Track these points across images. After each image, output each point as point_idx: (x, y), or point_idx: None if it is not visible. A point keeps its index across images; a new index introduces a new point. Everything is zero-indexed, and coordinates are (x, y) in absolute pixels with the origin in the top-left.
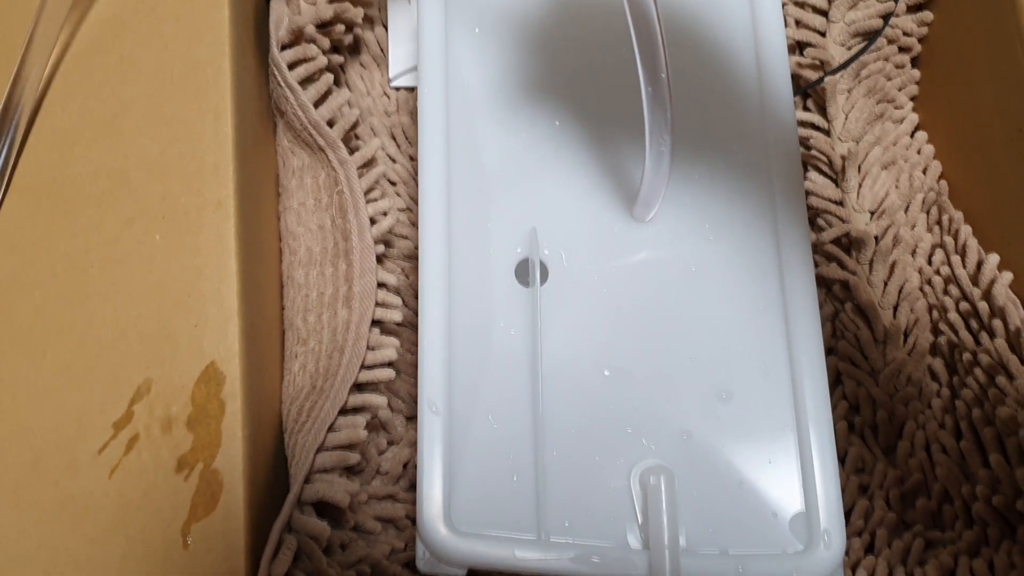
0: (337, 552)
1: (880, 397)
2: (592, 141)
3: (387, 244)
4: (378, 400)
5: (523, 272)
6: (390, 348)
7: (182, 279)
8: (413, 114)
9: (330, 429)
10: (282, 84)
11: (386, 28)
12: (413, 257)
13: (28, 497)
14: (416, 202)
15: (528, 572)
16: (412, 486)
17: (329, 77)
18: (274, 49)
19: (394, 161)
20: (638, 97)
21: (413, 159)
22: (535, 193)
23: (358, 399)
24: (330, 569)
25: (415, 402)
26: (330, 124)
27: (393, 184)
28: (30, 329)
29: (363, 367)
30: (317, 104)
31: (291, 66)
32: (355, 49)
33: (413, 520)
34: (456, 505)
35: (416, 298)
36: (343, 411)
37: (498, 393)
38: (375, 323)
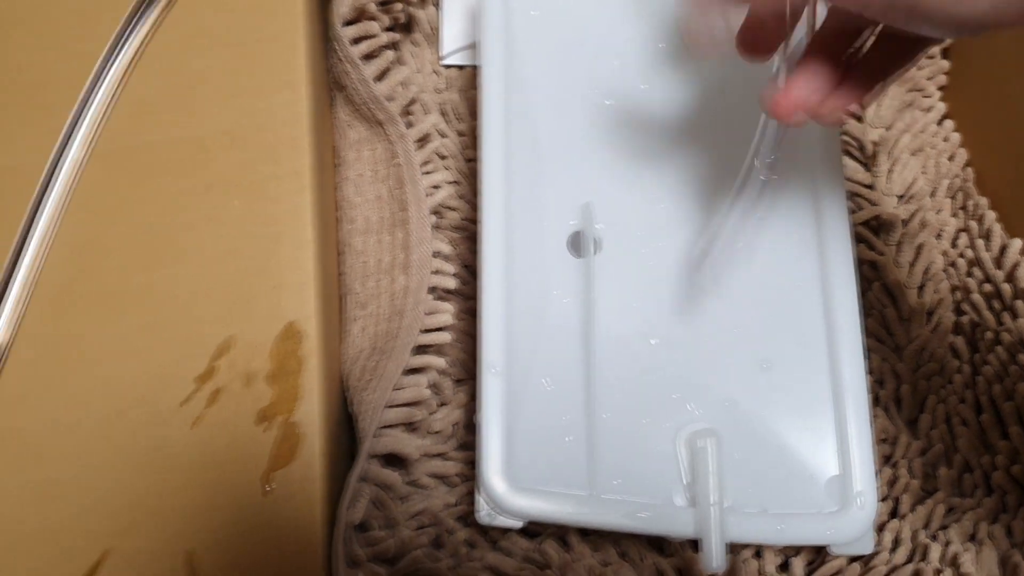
0: (398, 503)
1: (904, 372)
2: (642, 120)
3: (437, 215)
4: (438, 361)
5: (576, 244)
6: (446, 313)
7: (260, 244)
8: (462, 91)
9: (395, 388)
10: (344, 59)
11: (436, 7)
12: (460, 228)
13: (112, 446)
14: (464, 176)
15: (581, 526)
16: (461, 446)
17: (390, 54)
18: (337, 25)
19: (443, 136)
20: (689, 80)
21: (462, 135)
22: (588, 169)
23: (419, 360)
24: (400, 517)
25: (463, 366)
26: (388, 99)
27: (443, 158)
28: (111, 290)
29: (421, 331)
30: (376, 80)
31: (353, 42)
32: (407, 27)
33: (463, 477)
34: (514, 462)
35: (463, 267)
36: (405, 371)
37: (552, 358)
38: (429, 289)
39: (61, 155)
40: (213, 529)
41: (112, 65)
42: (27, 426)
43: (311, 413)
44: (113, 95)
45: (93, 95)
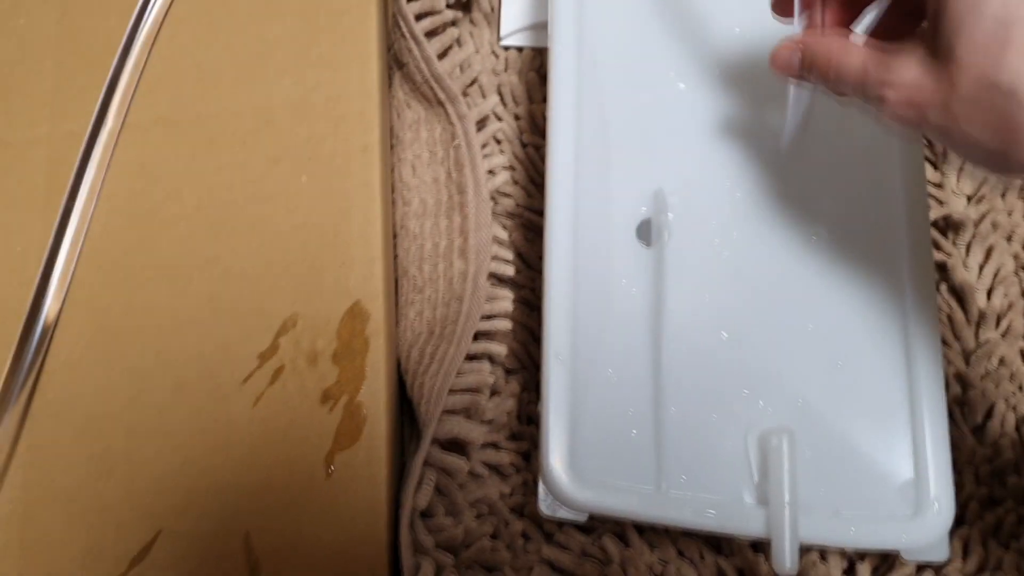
0: (459, 491)
1: (971, 377)
2: (715, 107)
3: (492, 201)
4: (498, 348)
5: (645, 232)
6: (506, 300)
7: (328, 220)
8: (521, 74)
9: (457, 373)
10: (407, 35)
11: None
12: (515, 215)
13: (170, 422)
14: (520, 162)
15: (647, 522)
16: (513, 436)
17: (454, 32)
18: (401, 0)
19: (500, 120)
20: (765, 65)
21: (518, 119)
22: (659, 155)
23: (478, 347)
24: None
25: (515, 356)
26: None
27: (499, 143)
28: (173, 259)
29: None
30: (439, 58)
31: (416, 18)
32: (466, 6)
33: (515, 468)
34: (578, 453)
35: (517, 256)
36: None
37: (618, 348)
38: (487, 275)
39: (97, 130)
40: (272, 510)
41: (138, 36)
42: (84, 397)
43: (376, 394)
44: (141, 66)
45: (124, 65)
